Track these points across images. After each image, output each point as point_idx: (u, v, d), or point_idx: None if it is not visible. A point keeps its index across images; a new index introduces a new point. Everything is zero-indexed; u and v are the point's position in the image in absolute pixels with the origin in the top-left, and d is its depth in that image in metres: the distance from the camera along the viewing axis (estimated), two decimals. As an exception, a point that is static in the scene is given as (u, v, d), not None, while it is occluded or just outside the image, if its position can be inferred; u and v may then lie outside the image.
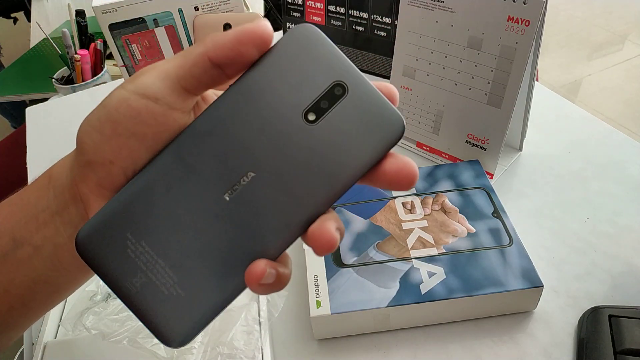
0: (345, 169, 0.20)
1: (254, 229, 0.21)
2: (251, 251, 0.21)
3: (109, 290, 0.44)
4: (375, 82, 0.21)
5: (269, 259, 0.21)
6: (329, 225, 0.20)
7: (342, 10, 0.78)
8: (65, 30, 1.03)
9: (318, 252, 0.21)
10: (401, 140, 0.63)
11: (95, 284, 0.45)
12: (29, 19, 1.64)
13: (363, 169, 0.20)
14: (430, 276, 0.42)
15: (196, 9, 0.58)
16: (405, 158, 0.21)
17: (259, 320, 0.42)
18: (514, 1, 0.47)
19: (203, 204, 0.21)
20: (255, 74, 0.21)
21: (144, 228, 0.20)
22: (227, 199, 0.20)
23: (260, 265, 0.20)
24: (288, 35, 0.21)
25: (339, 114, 0.20)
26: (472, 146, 0.56)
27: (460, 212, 0.48)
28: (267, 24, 0.20)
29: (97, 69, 1.08)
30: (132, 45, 0.60)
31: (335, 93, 0.20)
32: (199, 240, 0.21)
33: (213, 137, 0.21)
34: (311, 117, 0.20)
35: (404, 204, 0.49)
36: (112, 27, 0.58)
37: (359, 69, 0.21)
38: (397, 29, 0.57)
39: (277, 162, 0.20)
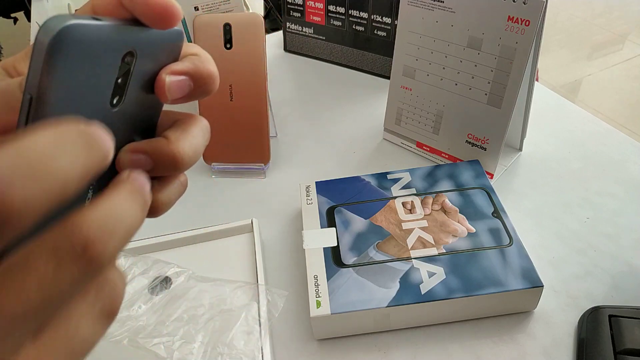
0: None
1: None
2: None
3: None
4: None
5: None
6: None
7: (342, 10, 0.78)
8: (65, 30, 1.03)
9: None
10: (401, 140, 0.63)
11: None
12: (29, 19, 1.64)
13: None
14: (430, 276, 0.42)
15: (196, 9, 0.58)
16: None
17: (259, 320, 0.42)
18: (514, 1, 0.47)
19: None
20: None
21: None
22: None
23: None
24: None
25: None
26: (472, 146, 0.56)
27: (460, 212, 0.48)
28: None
29: (97, 69, 1.08)
30: (132, 45, 0.60)
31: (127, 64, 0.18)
32: None
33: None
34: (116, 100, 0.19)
35: (404, 204, 0.49)
36: (112, 27, 0.58)
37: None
38: (397, 29, 0.57)
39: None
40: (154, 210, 0.21)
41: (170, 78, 0.20)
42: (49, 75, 0.15)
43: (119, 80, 0.18)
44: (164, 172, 0.21)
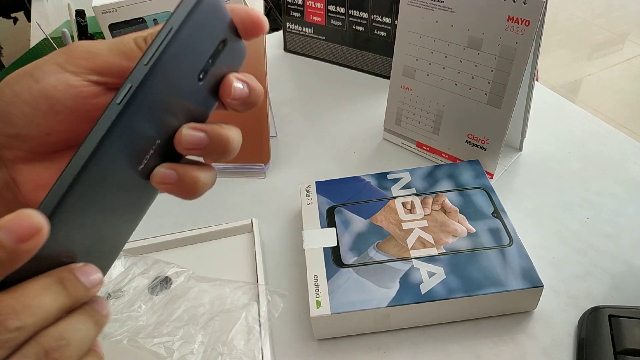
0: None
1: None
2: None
3: (109, 291, 0.44)
4: (239, 8, 0.23)
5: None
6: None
7: (342, 10, 0.78)
8: (65, 30, 1.03)
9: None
10: (401, 140, 0.63)
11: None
12: (29, 19, 1.64)
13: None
14: (430, 276, 0.42)
15: (196, 9, 0.58)
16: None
17: (259, 320, 0.42)
18: (514, 1, 0.47)
19: (124, 186, 0.22)
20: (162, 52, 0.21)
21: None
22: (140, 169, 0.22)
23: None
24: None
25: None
26: (472, 146, 0.56)
27: (460, 212, 0.48)
28: None
29: (97, 69, 1.08)
30: (132, 45, 0.60)
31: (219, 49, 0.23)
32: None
33: (132, 120, 0.21)
34: (202, 76, 0.22)
35: (404, 204, 0.49)
36: (112, 27, 0.58)
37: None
38: (397, 29, 0.57)
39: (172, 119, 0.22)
40: (195, 191, 0.24)
41: (237, 83, 0.23)
42: (187, 21, 0.20)
43: (210, 60, 0.22)
44: (214, 153, 0.23)
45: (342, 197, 0.51)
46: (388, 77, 0.63)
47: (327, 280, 0.43)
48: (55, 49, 1.13)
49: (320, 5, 0.80)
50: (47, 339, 0.19)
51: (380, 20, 0.75)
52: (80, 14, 1.06)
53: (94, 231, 0.21)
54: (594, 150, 0.60)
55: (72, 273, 0.20)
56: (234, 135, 0.24)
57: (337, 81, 0.79)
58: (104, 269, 0.22)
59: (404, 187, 0.51)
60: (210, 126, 0.23)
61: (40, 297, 0.19)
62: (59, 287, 0.20)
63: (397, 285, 0.42)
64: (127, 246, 0.49)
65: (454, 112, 0.56)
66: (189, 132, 0.22)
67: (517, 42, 0.48)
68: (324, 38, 0.82)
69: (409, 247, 0.45)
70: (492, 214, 0.47)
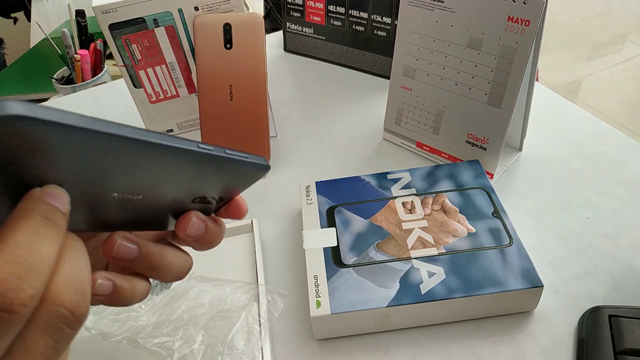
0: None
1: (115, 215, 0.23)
2: None
3: (109, 290, 0.44)
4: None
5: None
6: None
7: (342, 10, 0.78)
8: (65, 30, 1.03)
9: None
10: (401, 140, 0.63)
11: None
12: (29, 19, 1.64)
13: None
14: (430, 276, 0.42)
15: (196, 9, 0.58)
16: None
17: (259, 320, 0.42)
18: (514, 1, 0.47)
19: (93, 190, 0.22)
20: None
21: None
22: (113, 196, 0.22)
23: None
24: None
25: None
26: (472, 146, 0.56)
27: (460, 212, 0.48)
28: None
29: (97, 69, 1.08)
30: (132, 45, 0.60)
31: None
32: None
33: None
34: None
35: (404, 204, 0.49)
36: (112, 27, 0.58)
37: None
38: (397, 29, 0.57)
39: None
40: (124, 302, 0.24)
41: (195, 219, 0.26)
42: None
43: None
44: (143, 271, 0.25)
45: (342, 197, 0.51)
46: (388, 77, 0.63)
47: (327, 280, 0.43)
48: (55, 49, 1.13)
49: (320, 5, 0.80)
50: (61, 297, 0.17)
51: (380, 20, 0.75)
52: (80, 14, 1.06)
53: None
54: (594, 150, 0.60)
55: (49, 203, 0.18)
56: (172, 259, 0.26)
57: (337, 81, 0.79)
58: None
59: (404, 187, 0.51)
60: (143, 242, 0.24)
61: (38, 247, 0.16)
62: (48, 227, 0.17)
63: (397, 285, 0.42)
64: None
65: (454, 112, 0.56)
66: (121, 241, 0.23)
67: (517, 42, 0.48)
68: (324, 38, 0.82)
69: (409, 247, 0.45)
70: (492, 214, 0.47)
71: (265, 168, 0.26)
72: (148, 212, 0.24)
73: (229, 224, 0.52)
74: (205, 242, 0.27)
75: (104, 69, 1.09)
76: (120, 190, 0.21)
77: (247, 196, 0.59)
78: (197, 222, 0.26)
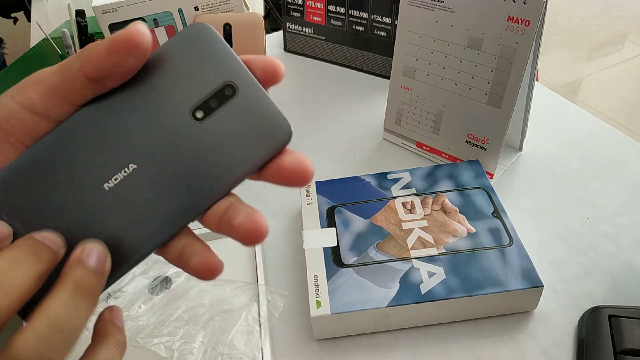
0: (228, 168, 0.21)
1: (131, 219, 0.21)
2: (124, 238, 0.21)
3: (109, 290, 0.44)
4: (256, 60, 0.21)
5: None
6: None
7: (342, 10, 0.78)
8: (65, 30, 1.03)
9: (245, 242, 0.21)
10: (401, 140, 0.63)
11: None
12: (29, 19, 1.64)
13: (246, 169, 0.21)
14: (430, 276, 0.42)
15: (196, 9, 0.58)
16: (300, 156, 0.21)
17: (259, 321, 0.42)
18: (514, 1, 0.47)
19: (82, 193, 0.21)
20: (144, 71, 0.20)
21: (24, 212, 0.20)
22: (107, 188, 0.21)
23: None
24: (181, 33, 0.21)
25: (228, 114, 0.21)
26: (472, 146, 0.56)
27: (460, 212, 0.48)
28: (139, 29, 0.19)
29: (97, 69, 1.08)
30: (132, 45, 0.60)
31: (225, 93, 0.21)
32: (80, 229, 0.21)
33: (96, 130, 0.20)
34: (199, 114, 0.21)
35: (404, 204, 0.49)
36: (112, 27, 0.58)
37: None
38: (397, 29, 0.57)
39: (159, 156, 0.20)
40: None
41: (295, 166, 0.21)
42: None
43: (211, 100, 0.20)
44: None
45: (342, 197, 0.51)
46: (388, 77, 0.63)
47: (327, 280, 0.43)
48: (55, 49, 1.13)
49: (320, 5, 0.80)
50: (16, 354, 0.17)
51: (380, 20, 0.75)
52: (80, 14, 1.06)
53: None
54: (594, 150, 0.60)
55: (35, 240, 0.19)
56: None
57: (337, 81, 0.79)
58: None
59: (404, 187, 0.51)
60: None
61: (12, 270, 0.18)
62: (29, 256, 0.19)
63: (397, 285, 0.42)
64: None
65: (454, 112, 0.56)
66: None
67: (517, 42, 0.48)
68: (324, 38, 0.82)
69: (409, 247, 0.45)
70: (492, 214, 0.47)
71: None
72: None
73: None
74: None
75: (104, 69, 1.08)
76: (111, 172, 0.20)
77: (247, 196, 0.59)
78: None
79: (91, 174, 0.21)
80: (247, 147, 0.21)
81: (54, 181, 0.21)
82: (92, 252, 0.20)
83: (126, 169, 0.21)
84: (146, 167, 0.20)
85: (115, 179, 0.21)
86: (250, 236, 0.21)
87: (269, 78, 0.21)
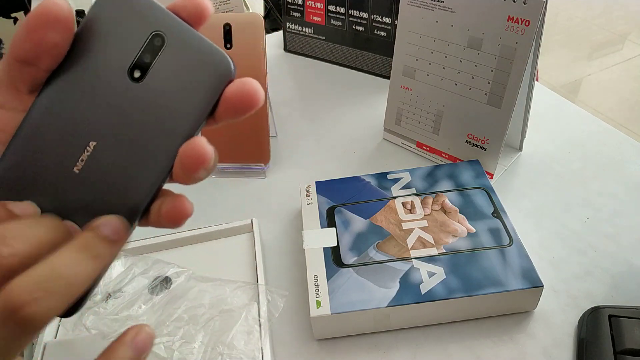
0: (181, 118, 0.21)
1: (109, 195, 0.21)
2: (109, 209, 0.21)
3: (109, 290, 0.44)
4: (179, 1, 0.21)
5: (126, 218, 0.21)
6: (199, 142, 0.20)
7: (342, 10, 0.78)
8: (65, 30, 1.03)
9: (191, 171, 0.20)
10: (401, 140, 0.63)
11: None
12: (29, 19, 1.64)
13: (199, 113, 0.21)
14: (430, 276, 0.42)
15: (196, 9, 0.58)
16: (244, 80, 0.20)
17: (259, 321, 0.42)
18: (514, 1, 0.47)
19: (58, 182, 0.21)
20: (76, 46, 0.20)
21: None
22: (77, 172, 0.21)
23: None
24: (95, 2, 0.21)
25: (164, 65, 0.20)
26: (472, 146, 0.56)
27: (460, 212, 0.48)
28: (56, 1, 0.18)
29: (97, 69, 1.08)
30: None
31: (155, 44, 0.20)
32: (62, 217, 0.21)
33: (50, 117, 0.21)
34: (137, 74, 0.21)
35: (404, 204, 0.49)
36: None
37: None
38: (397, 29, 0.57)
39: (114, 127, 0.21)
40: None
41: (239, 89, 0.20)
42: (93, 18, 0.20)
43: (144, 56, 0.20)
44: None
45: (342, 197, 0.51)
46: (388, 77, 0.63)
47: (327, 280, 0.43)
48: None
49: (320, 5, 0.80)
50: (11, 290, 0.17)
51: (380, 20, 0.75)
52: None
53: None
54: (594, 150, 0.60)
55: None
56: None
57: (337, 81, 0.79)
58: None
59: (404, 187, 0.51)
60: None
61: (32, 228, 0.19)
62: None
63: (397, 285, 0.42)
64: (127, 246, 0.49)
65: (454, 112, 0.56)
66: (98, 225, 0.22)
67: (517, 42, 0.48)
68: (324, 38, 0.82)
69: (409, 247, 0.45)
70: (492, 214, 0.47)
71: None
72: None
73: (229, 224, 0.52)
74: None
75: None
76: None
77: (247, 196, 0.59)
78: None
79: (60, 162, 0.21)
80: (193, 90, 0.20)
81: (27, 175, 0.21)
82: (108, 223, 0.20)
83: (88, 148, 0.21)
84: (105, 142, 0.21)
85: (82, 160, 0.21)
86: (172, 217, 0.21)
87: (196, 18, 0.21)
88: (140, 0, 0.20)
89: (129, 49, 0.20)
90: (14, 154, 0.21)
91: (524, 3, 0.46)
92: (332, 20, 0.80)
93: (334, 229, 0.47)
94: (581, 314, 0.43)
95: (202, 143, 0.20)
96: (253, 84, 0.20)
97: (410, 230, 0.46)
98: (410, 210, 0.49)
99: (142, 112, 0.20)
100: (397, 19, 0.60)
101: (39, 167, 0.21)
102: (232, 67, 0.21)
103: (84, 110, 0.21)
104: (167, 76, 0.20)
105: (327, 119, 0.71)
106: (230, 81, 0.21)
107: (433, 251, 0.44)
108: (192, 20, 0.21)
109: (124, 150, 0.21)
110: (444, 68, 0.55)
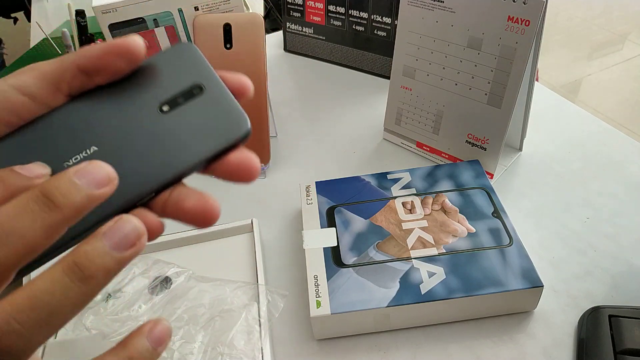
0: (181, 154, 0.22)
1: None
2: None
3: (109, 290, 0.44)
4: (229, 75, 0.23)
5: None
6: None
7: (342, 10, 0.78)
8: (65, 30, 1.03)
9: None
10: (401, 140, 0.63)
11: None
12: (29, 19, 1.64)
13: (198, 157, 0.22)
14: (430, 276, 0.42)
15: (196, 9, 0.58)
16: (247, 153, 0.22)
17: (259, 320, 0.42)
18: (514, 1, 0.47)
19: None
20: (130, 75, 0.23)
21: None
22: (66, 167, 0.22)
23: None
24: (168, 48, 0.24)
25: (191, 108, 0.23)
26: (472, 146, 0.56)
27: (460, 212, 0.48)
28: (136, 40, 0.22)
29: (97, 69, 1.08)
30: (132, 45, 0.60)
31: (192, 92, 0.23)
32: None
33: (69, 118, 0.22)
34: (165, 108, 0.23)
35: (404, 204, 0.49)
36: (112, 27, 0.58)
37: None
38: (397, 29, 0.57)
39: (118, 140, 0.22)
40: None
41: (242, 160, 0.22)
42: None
43: (178, 97, 0.23)
44: None
45: (342, 197, 0.51)
46: (388, 77, 0.63)
47: (327, 280, 0.43)
48: (55, 49, 1.13)
49: (320, 5, 0.80)
50: None
51: (380, 20, 0.75)
52: (80, 14, 1.06)
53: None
54: (594, 150, 0.60)
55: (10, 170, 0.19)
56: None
57: (337, 81, 0.79)
58: None
59: (404, 187, 0.51)
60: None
61: (16, 220, 0.17)
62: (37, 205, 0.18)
63: (397, 285, 0.42)
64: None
65: (454, 112, 0.56)
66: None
67: (517, 42, 0.48)
68: (324, 38, 0.82)
69: (409, 247, 0.45)
70: (492, 214, 0.47)
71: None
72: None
73: (229, 224, 0.52)
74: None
75: (104, 69, 1.08)
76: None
77: (247, 196, 0.59)
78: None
79: (55, 155, 0.22)
80: (203, 137, 0.22)
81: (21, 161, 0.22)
82: (32, 167, 0.20)
83: (87, 150, 0.22)
84: (105, 149, 0.22)
85: (75, 159, 0.22)
86: (202, 219, 0.22)
87: (237, 91, 0.23)
88: (200, 58, 0.23)
89: (170, 87, 0.23)
90: (19, 135, 0.22)
91: (524, 3, 0.46)
92: (332, 20, 0.80)
93: (334, 229, 0.47)
94: (581, 314, 0.43)
95: (251, 157, 0.22)
96: (255, 161, 0.22)
97: (410, 230, 0.46)
98: (410, 210, 0.49)
99: (148, 136, 0.22)
100: (397, 19, 0.60)
101: (34, 153, 0.22)
102: (247, 129, 0.22)
103: (97, 118, 0.22)
104: (188, 118, 0.22)
105: (327, 119, 0.71)
106: (242, 141, 0.22)
107: (433, 251, 0.44)
108: (233, 91, 0.23)
109: (117, 162, 0.22)
110: (444, 68, 0.55)
